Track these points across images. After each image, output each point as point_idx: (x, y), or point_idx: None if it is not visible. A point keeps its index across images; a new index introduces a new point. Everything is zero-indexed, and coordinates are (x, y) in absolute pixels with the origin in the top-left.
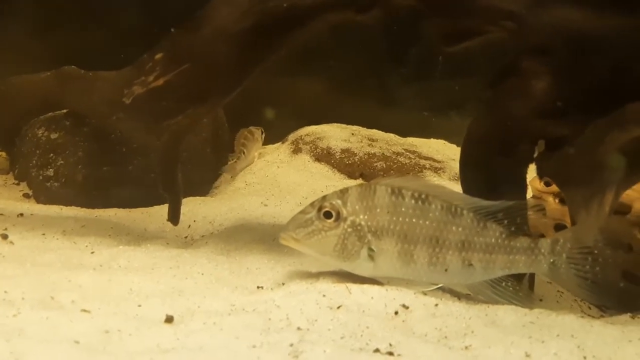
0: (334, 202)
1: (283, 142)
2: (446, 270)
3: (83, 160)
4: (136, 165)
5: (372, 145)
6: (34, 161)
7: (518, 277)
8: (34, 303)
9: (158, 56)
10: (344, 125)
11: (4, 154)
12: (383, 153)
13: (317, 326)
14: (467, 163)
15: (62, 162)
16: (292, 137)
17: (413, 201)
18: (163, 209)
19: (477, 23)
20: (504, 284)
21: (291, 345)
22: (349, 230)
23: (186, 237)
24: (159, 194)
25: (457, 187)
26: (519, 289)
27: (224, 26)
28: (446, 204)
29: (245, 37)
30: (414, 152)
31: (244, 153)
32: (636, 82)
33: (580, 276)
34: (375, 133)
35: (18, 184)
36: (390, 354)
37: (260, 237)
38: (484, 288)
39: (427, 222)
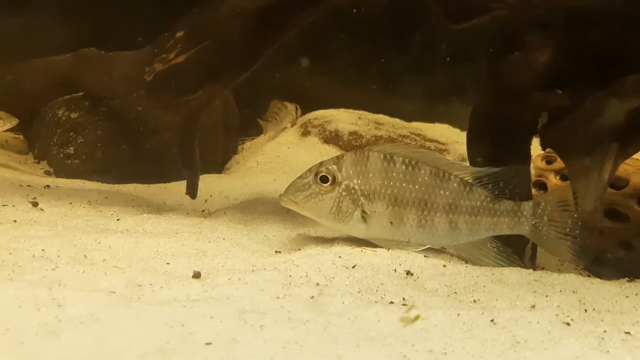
0: (329, 167)
1: (292, 125)
2: (434, 231)
3: (102, 139)
4: (153, 143)
5: (379, 129)
6: (55, 140)
7: (520, 246)
8: (69, 260)
9: (179, 34)
10: (350, 110)
11: (21, 136)
12: (389, 135)
13: (335, 282)
14: (473, 136)
15: (82, 140)
16: (300, 120)
17: (404, 167)
18: (180, 185)
19: (482, 1)
20: (488, 244)
21: (312, 297)
22: (344, 193)
23: (203, 211)
24: (175, 171)
25: None
26: (503, 249)
27: (241, 5)
28: (434, 169)
29: (261, 16)
30: (419, 135)
31: (276, 119)
32: (635, 54)
33: (561, 237)
34: (381, 117)
35: (38, 163)
36: (404, 305)
37: (275, 209)
38: (470, 249)
39: (417, 187)
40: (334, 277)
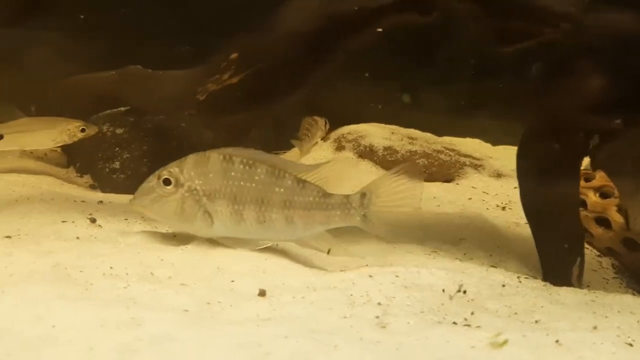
0: (171, 170)
1: (325, 140)
2: (272, 227)
3: (148, 154)
4: None
5: (413, 143)
6: (100, 155)
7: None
8: (138, 277)
9: (233, 56)
10: (382, 125)
11: (58, 149)
12: (424, 150)
13: (396, 302)
14: (523, 155)
15: (127, 155)
16: (333, 135)
17: (241, 166)
18: None
19: (533, 24)
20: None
21: (377, 317)
22: (186, 194)
23: None
24: None
25: (497, 184)
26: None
27: (295, 28)
28: (270, 168)
29: (314, 39)
30: (453, 150)
31: (308, 136)
32: None
33: (386, 223)
34: (413, 132)
35: (81, 177)
36: (468, 325)
37: None
38: (310, 242)
39: (254, 185)
40: (394, 296)
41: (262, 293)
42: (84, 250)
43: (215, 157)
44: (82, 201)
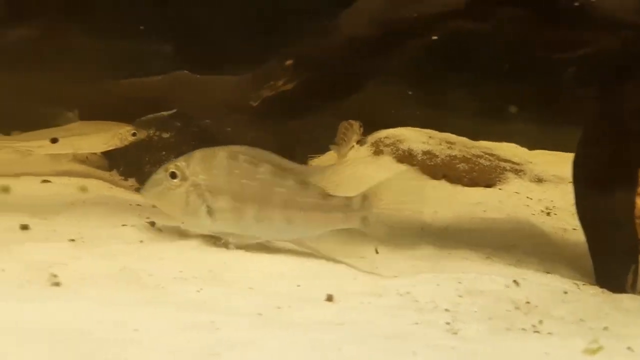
0: (178, 164)
1: (361, 144)
2: (271, 225)
3: None
4: None
5: (452, 148)
6: (147, 158)
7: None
8: (206, 281)
9: (288, 62)
10: (417, 129)
11: (99, 152)
12: (464, 155)
13: (462, 309)
14: (579, 162)
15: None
16: (370, 139)
17: (245, 164)
18: None
19: (592, 32)
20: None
21: (447, 323)
22: (191, 189)
23: None
24: None
25: (539, 189)
26: None
27: (354, 35)
28: (274, 167)
29: (372, 45)
30: (492, 155)
31: (345, 140)
32: None
33: (386, 226)
34: (450, 136)
35: (126, 180)
36: (538, 332)
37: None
38: (309, 242)
39: (255, 183)
40: (459, 303)
41: (329, 298)
42: (148, 253)
43: (221, 153)
44: (138, 205)
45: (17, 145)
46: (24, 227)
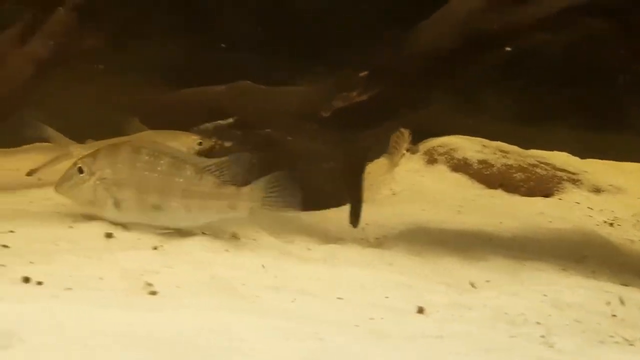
0: (85, 160)
1: (413, 152)
2: (173, 214)
3: (256, 166)
4: (305, 171)
5: (507, 157)
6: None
7: None
8: (296, 290)
9: (363, 74)
10: (469, 137)
11: None
12: (519, 164)
13: (553, 321)
14: None
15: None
16: (423, 147)
17: (147, 157)
18: (334, 212)
19: None
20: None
21: (542, 336)
22: (98, 182)
23: (376, 239)
24: (324, 197)
25: (598, 199)
26: None
27: (432, 47)
28: (173, 159)
29: (449, 58)
30: (547, 164)
31: (396, 149)
32: None
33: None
34: (503, 145)
35: None
36: (632, 345)
37: (442, 240)
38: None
39: (156, 175)
40: (550, 315)
41: (420, 310)
42: (235, 262)
43: (125, 148)
44: None
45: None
46: (109, 235)
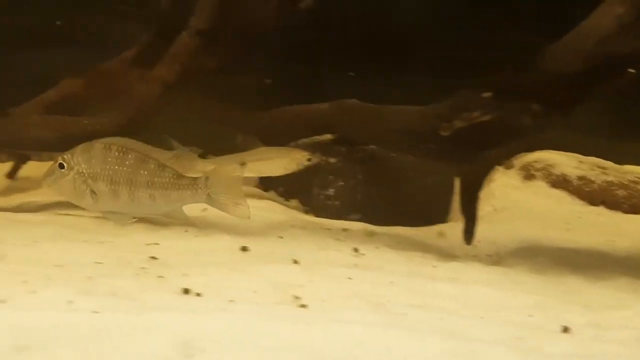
0: (65, 156)
1: (508, 168)
2: (140, 203)
3: (362, 182)
4: (408, 187)
5: (606, 173)
6: (315, 182)
7: None
8: (437, 308)
9: (486, 94)
10: (564, 153)
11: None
12: (620, 181)
13: None
14: None
15: (342, 183)
16: (518, 163)
17: (117, 153)
18: (443, 228)
19: None
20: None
21: None
22: (76, 176)
23: (474, 255)
24: (429, 213)
25: None
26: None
27: (561, 69)
28: (139, 154)
29: (577, 80)
30: None
31: None
32: None
33: (221, 201)
34: (599, 161)
35: (288, 201)
36: None
37: (561, 259)
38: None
39: (125, 168)
40: None
41: (565, 329)
42: (367, 276)
43: (97, 145)
44: (328, 229)
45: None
46: (244, 249)
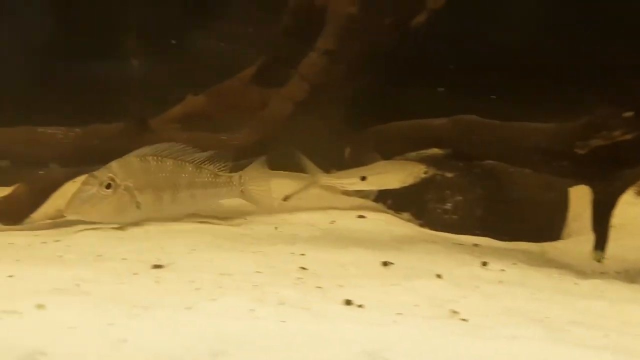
0: (109, 175)
1: None
2: (182, 204)
3: (482, 198)
4: (527, 202)
5: None
6: (430, 196)
7: None
8: (573, 323)
9: (628, 114)
10: None
11: None
12: None
13: None
14: None
15: (460, 198)
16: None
17: (154, 162)
18: (562, 244)
19: None
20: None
21: None
22: (124, 192)
23: (602, 272)
24: (547, 230)
25: None
26: None
27: None
28: (175, 160)
29: None
30: None
31: None
32: None
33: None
34: None
35: (398, 213)
36: None
37: None
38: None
39: (166, 174)
40: None
41: None
42: (514, 293)
43: (133, 159)
44: (459, 243)
45: (334, 182)
46: (385, 264)
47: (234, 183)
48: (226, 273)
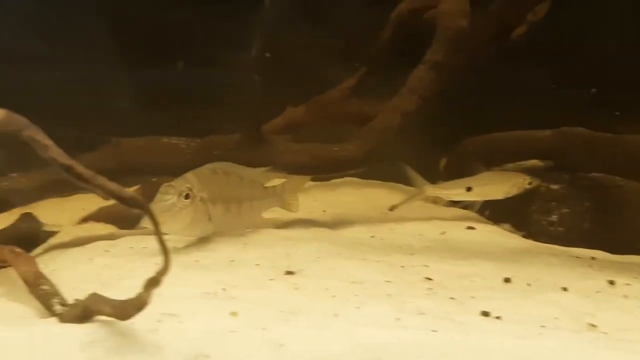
0: (187, 186)
1: None
2: (244, 214)
3: (590, 210)
4: (636, 215)
5: None
6: (534, 207)
7: None
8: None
9: None
10: None
11: None
12: None
13: None
14: None
15: (566, 210)
16: None
17: (222, 176)
18: None
19: None
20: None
21: None
22: (200, 203)
23: None
24: None
25: None
26: None
27: None
28: (237, 176)
29: None
30: None
31: None
32: None
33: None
34: None
35: (495, 224)
36: None
37: None
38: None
39: (232, 187)
40: None
41: None
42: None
43: (206, 172)
44: (576, 257)
45: (440, 193)
46: (508, 278)
47: (277, 193)
48: (357, 281)
